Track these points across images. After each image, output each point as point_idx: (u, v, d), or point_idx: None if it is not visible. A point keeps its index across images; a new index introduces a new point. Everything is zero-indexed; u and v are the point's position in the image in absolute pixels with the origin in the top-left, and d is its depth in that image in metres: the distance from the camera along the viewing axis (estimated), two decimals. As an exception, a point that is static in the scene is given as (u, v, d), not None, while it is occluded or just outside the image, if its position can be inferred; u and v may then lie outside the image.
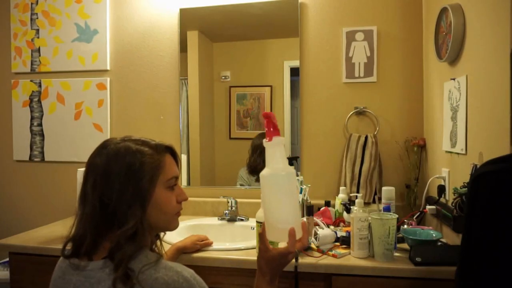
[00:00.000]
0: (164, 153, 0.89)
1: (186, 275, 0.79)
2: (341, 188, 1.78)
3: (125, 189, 0.81)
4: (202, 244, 1.43)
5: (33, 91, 2.24)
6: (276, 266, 0.91)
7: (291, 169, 0.87)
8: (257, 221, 1.39)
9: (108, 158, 0.83)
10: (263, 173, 0.86)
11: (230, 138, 2.06)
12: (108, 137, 2.12)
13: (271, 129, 0.84)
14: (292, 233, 0.86)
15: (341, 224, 1.68)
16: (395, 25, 1.88)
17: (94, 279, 0.79)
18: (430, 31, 1.69)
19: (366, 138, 1.85)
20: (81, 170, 1.59)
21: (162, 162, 0.87)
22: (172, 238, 1.53)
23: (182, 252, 1.39)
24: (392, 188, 1.65)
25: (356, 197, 1.49)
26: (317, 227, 1.50)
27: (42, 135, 2.23)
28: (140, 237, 0.80)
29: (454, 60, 1.45)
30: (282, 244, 0.90)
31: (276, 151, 0.85)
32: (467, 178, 1.21)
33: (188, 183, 2.07)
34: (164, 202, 0.87)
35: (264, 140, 0.86)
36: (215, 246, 1.46)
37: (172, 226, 0.92)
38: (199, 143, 2.09)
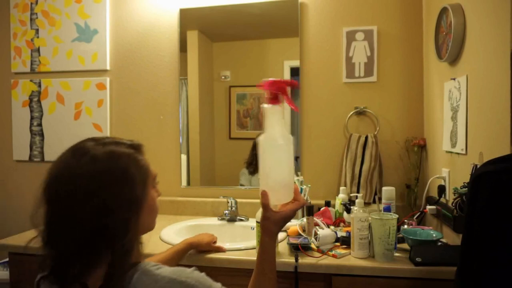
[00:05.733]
0: (142, 151, 0.82)
1: (190, 283, 0.73)
2: (341, 188, 1.78)
3: (120, 198, 0.72)
4: (216, 248, 1.42)
5: (32, 91, 2.24)
6: (284, 223, 0.93)
7: (287, 132, 0.87)
8: (257, 221, 1.39)
9: (95, 167, 0.72)
10: (260, 138, 0.86)
11: (230, 138, 2.06)
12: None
13: (275, 96, 0.82)
14: (297, 189, 0.90)
15: (341, 224, 1.68)
16: (395, 25, 1.88)
17: None
18: (430, 31, 1.69)
19: (366, 138, 1.85)
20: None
21: (146, 161, 0.80)
22: (171, 238, 1.53)
23: (194, 248, 1.38)
24: (392, 188, 1.65)
25: (356, 197, 1.49)
26: (317, 227, 1.50)
27: (42, 135, 2.23)
28: (138, 249, 0.75)
29: (454, 60, 1.45)
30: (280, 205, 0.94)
31: (274, 117, 0.84)
32: (467, 178, 1.21)
33: (188, 183, 2.07)
34: (153, 203, 0.82)
35: (262, 104, 0.84)
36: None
37: (154, 225, 0.85)
38: (199, 143, 2.09)
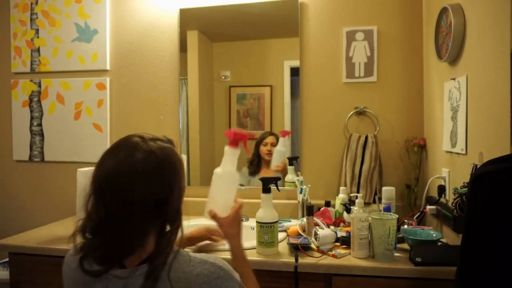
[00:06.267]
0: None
1: (219, 264, 0.82)
2: (341, 188, 1.78)
3: (173, 188, 0.81)
4: (211, 235, 1.44)
5: (32, 91, 2.24)
6: (237, 223, 1.09)
7: (235, 171, 1.09)
8: (257, 221, 1.39)
9: (155, 160, 0.80)
10: (216, 170, 1.09)
11: (230, 138, 2.05)
12: (108, 137, 2.14)
13: (235, 142, 1.08)
14: (237, 202, 1.10)
15: (341, 224, 1.68)
16: (395, 25, 1.88)
17: (129, 283, 0.77)
18: (430, 31, 1.69)
19: (366, 138, 1.85)
20: (81, 170, 1.60)
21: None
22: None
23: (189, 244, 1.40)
24: (392, 188, 1.65)
25: (356, 197, 1.49)
26: (317, 227, 1.50)
27: (42, 135, 2.23)
28: (180, 235, 0.83)
29: (454, 60, 1.45)
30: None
31: (230, 157, 1.08)
32: (467, 178, 1.21)
33: (188, 183, 2.07)
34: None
35: (225, 146, 1.08)
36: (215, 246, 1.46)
37: None
38: (199, 143, 2.09)
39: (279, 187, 1.58)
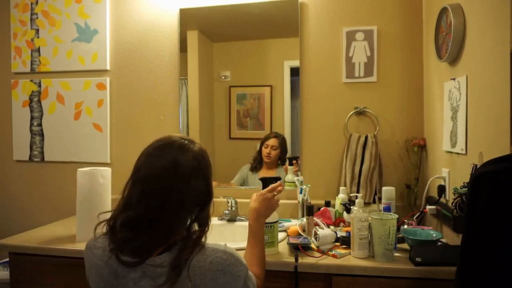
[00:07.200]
0: None
1: (230, 251, 0.87)
2: (341, 188, 1.78)
3: (210, 187, 0.90)
4: None
5: (33, 91, 2.24)
6: (263, 200, 1.16)
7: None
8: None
9: (194, 159, 0.87)
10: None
11: (230, 138, 2.06)
12: (108, 137, 2.14)
13: None
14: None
15: (341, 224, 1.68)
16: (395, 25, 1.88)
17: (155, 273, 0.81)
18: (430, 31, 1.69)
19: (366, 138, 1.85)
20: (81, 170, 1.60)
21: None
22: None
23: None
24: (392, 188, 1.65)
25: (356, 197, 1.49)
26: (317, 227, 1.50)
27: (42, 135, 2.23)
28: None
29: (454, 60, 1.45)
30: None
31: None
32: (467, 178, 1.21)
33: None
34: None
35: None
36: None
37: None
38: (199, 143, 2.08)
39: None
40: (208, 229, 0.88)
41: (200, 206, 0.87)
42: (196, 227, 0.88)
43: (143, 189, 0.83)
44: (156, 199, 0.82)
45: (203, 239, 0.87)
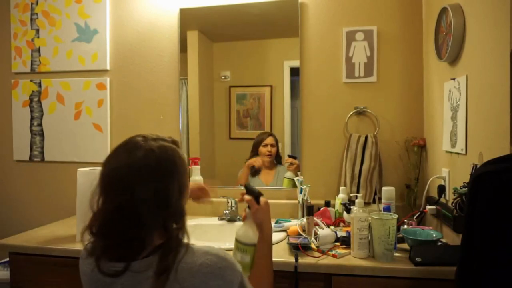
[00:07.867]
0: (180, 146, 0.94)
1: (222, 255, 0.84)
2: (341, 188, 1.78)
3: (177, 186, 0.84)
4: (202, 193, 1.42)
5: (33, 91, 2.24)
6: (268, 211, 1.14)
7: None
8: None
9: (154, 158, 0.83)
10: None
11: (230, 138, 2.06)
12: (108, 137, 2.14)
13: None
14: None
15: (341, 224, 1.68)
16: (395, 25, 1.88)
17: (143, 277, 0.80)
18: (430, 31, 1.69)
19: (366, 138, 1.85)
20: (81, 170, 1.60)
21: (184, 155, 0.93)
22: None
23: None
24: (392, 188, 1.65)
25: (356, 197, 1.49)
26: (317, 227, 1.50)
27: (42, 135, 2.23)
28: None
29: (454, 60, 1.45)
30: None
31: None
32: (467, 178, 1.21)
33: (188, 183, 2.07)
34: (188, 191, 0.94)
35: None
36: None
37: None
38: (199, 143, 2.09)
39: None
40: (183, 225, 0.84)
41: (160, 204, 0.81)
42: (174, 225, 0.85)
43: (102, 192, 0.82)
44: (114, 201, 0.80)
45: (185, 239, 0.84)
